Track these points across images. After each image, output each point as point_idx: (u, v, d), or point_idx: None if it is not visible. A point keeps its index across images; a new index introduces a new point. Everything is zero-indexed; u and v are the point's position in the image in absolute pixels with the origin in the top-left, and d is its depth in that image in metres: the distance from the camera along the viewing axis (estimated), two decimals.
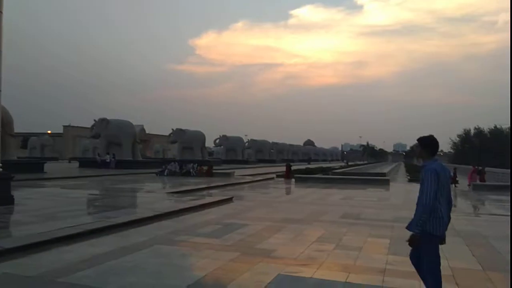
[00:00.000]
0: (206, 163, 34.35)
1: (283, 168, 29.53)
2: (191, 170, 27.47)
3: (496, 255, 6.57)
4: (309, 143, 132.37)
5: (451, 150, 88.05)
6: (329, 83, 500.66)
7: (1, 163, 10.81)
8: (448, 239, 7.50)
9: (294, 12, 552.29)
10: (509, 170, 28.10)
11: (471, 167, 26.21)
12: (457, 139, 77.85)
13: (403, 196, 16.68)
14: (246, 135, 75.73)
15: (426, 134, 4.00)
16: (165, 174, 27.03)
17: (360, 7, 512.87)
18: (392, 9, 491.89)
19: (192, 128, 48.70)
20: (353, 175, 27.60)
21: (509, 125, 70.35)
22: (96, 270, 5.19)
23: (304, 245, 6.85)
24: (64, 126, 79.70)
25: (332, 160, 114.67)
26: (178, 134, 46.48)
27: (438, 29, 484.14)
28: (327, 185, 21.69)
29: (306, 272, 5.24)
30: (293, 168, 29.60)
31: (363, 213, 11.14)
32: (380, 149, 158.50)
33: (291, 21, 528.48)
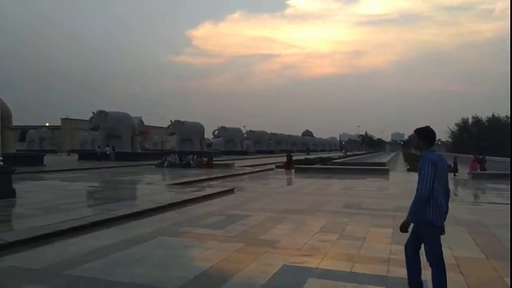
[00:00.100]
0: (206, 154, 34.33)
1: (282, 159, 29.57)
2: (191, 161, 27.46)
3: (498, 243, 6.60)
4: (307, 133, 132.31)
5: (449, 139, 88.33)
6: (326, 73, 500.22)
7: (1, 156, 10.77)
8: (450, 228, 7.53)
9: (290, 2, 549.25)
10: (508, 159, 28.22)
11: (471, 156, 26.29)
12: (455, 128, 78.09)
13: (403, 185, 16.74)
14: (244, 126, 75.63)
15: (423, 124, 4.06)
16: (165, 166, 27.01)
17: None
18: None
19: (190, 119, 48.64)
20: (353, 165, 27.67)
21: (506, 114, 70.59)
22: (102, 262, 5.19)
23: (308, 236, 6.87)
24: (62, 119, 79.39)
25: (330, 150, 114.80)
26: (177, 126, 46.38)
27: (435, 17, 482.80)
28: (327, 175, 21.72)
29: (311, 263, 5.26)
30: (292, 158, 29.60)
31: (364, 203, 11.17)
32: (378, 139, 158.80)
33: (288, 11, 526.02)
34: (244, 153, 59.61)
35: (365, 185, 16.69)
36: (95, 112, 37.32)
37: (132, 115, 41.38)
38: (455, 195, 13.60)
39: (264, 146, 74.76)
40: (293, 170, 24.56)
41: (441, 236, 3.87)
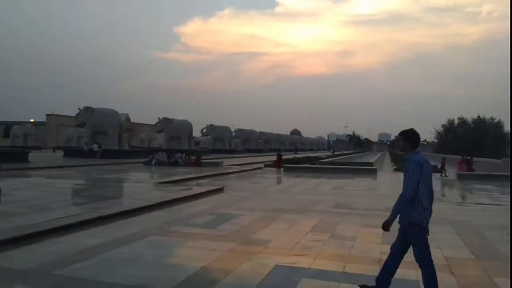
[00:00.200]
0: (194, 152, 34.14)
1: (271, 158, 29.59)
2: (179, 160, 27.29)
3: (487, 244, 6.68)
4: (296, 132, 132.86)
5: (435, 140, 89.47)
6: (315, 72, 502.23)
7: None
8: (439, 228, 7.61)
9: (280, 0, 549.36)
10: (495, 160, 28.73)
11: (459, 157, 26.72)
12: (441, 128, 79.09)
13: (391, 185, 16.88)
14: (232, 124, 75.52)
15: (410, 125, 4.24)
16: (153, 164, 26.79)
17: None
18: None
19: (179, 117, 48.32)
20: (341, 165, 27.82)
21: (491, 116, 71.88)
22: (92, 262, 5.10)
23: (299, 235, 6.86)
24: (47, 115, 78.23)
25: (318, 150, 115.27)
26: (165, 123, 45.97)
27: (423, 18, 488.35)
28: (316, 174, 21.80)
29: (304, 263, 5.25)
30: (282, 157, 29.63)
31: (354, 202, 11.23)
32: (365, 139, 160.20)
33: (278, 9, 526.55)
34: (232, 151, 59.47)
35: (354, 185, 16.78)
36: (81, 108, 36.74)
37: (119, 112, 40.84)
38: (443, 195, 13.77)
39: (252, 145, 74.73)
40: (282, 169, 24.60)
41: (431, 237, 3.95)
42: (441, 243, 6.25)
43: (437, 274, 3.89)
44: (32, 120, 79.24)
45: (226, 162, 29.70)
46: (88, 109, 36.21)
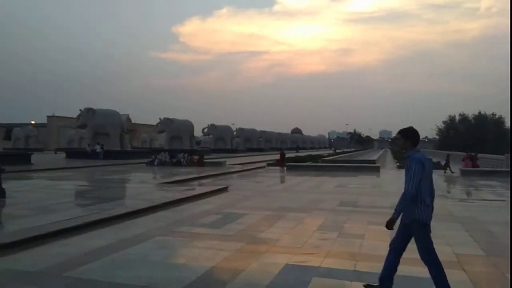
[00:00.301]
0: (196, 152, 34.12)
1: (273, 157, 29.59)
2: (182, 160, 27.26)
3: (496, 240, 6.64)
4: (297, 131, 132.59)
5: (436, 137, 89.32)
6: (315, 70, 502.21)
7: None
8: (446, 225, 7.59)
9: None
10: (498, 156, 28.67)
11: (462, 153, 26.71)
12: (442, 125, 78.93)
13: (395, 182, 16.80)
14: (233, 124, 75.46)
15: (410, 122, 4.23)
16: (155, 164, 26.78)
17: None
18: None
19: (179, 117, 48.27)
20: (344, 163, 27.77)
21: (492, 112, 71.76)
22: (101, 264, 5.08)
23: (307, 234, 6.83)
24: (48, 117, 78.19)
25: (319, 148, 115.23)
26: (166, 124, 45.92)
27: (422, 15, 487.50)
28: (319, 172, 21.76)
29: (314, 261, 5.21)
30: (285, 156, 29.60)
31: (359, 200, 11.19)
32: (366, 136, 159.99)
33: (276, 7, 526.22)
34: (234, 151, 59.39)
35: (357, 183, 16.75)
36: (82, 109, 36.71)
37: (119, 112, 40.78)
38: (448, 192, 13.72)
39: (254, 144, 74.68)
40: (285, 168, 24.57)
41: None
42: (450, 239, 6.22)
43: (448, 271, 3.88)
44: (33, 122, 79.13)
45: (228, 161, 29.68)
46: (89, 110, 36.19)
